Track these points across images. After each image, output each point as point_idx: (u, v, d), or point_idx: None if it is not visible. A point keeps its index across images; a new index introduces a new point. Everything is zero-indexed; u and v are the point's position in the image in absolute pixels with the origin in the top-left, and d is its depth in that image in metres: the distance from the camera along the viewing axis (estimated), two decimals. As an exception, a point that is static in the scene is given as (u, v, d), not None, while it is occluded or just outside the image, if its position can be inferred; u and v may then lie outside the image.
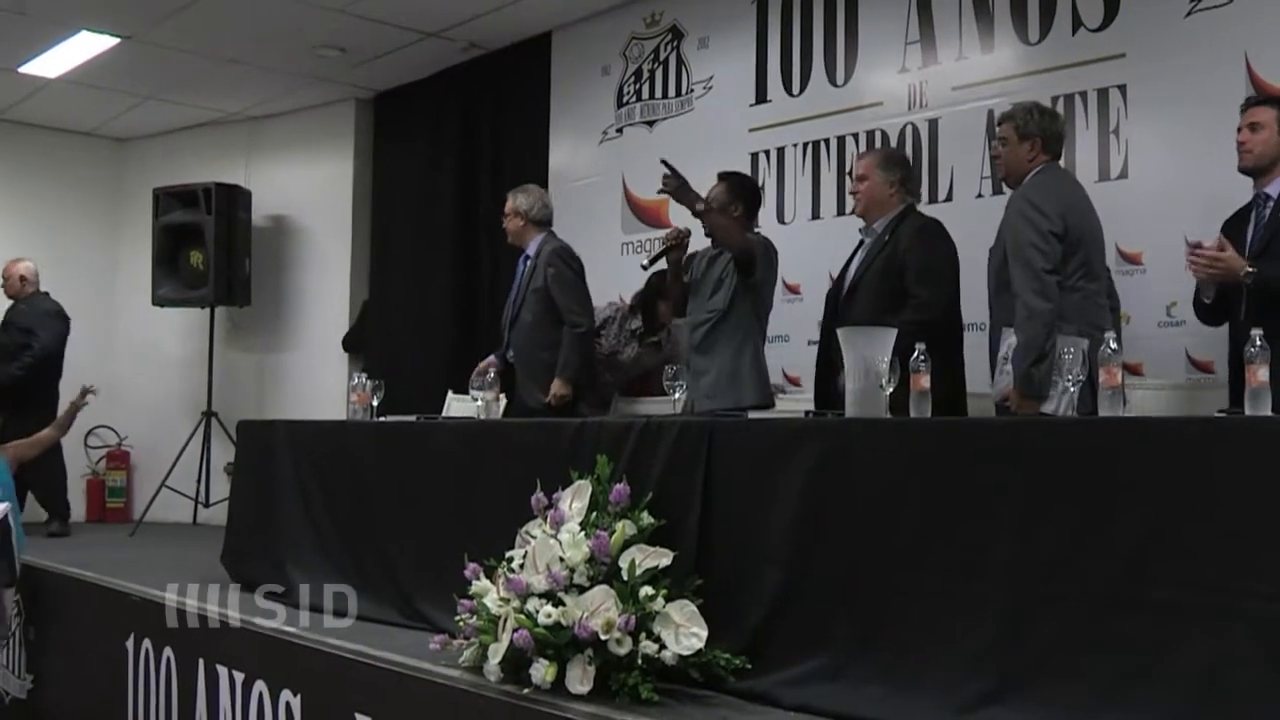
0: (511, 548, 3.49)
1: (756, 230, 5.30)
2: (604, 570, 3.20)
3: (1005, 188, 4.42)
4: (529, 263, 5.72)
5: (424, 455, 4.38)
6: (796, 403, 5.32)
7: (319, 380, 8.34)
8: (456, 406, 5.96)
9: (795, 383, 5.86)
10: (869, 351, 3.47)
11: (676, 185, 4.95)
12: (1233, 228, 3.94)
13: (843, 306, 4.49)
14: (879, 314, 4.19)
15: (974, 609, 2.78)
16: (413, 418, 4.82)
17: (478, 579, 3.46)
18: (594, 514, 3.32)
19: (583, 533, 3.26)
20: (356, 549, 4.50)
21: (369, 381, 4.99)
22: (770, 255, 5.02)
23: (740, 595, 3.23)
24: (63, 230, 9.23)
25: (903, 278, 4.37)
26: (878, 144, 5.66)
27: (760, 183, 6.08)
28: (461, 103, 7.90)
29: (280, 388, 8.77)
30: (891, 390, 3.39)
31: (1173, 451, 2.49)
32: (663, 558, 3.21)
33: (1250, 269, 3.71)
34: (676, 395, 4.18)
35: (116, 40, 7.32)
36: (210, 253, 8.39)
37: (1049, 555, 2.68)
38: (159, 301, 8.70)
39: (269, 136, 9.09)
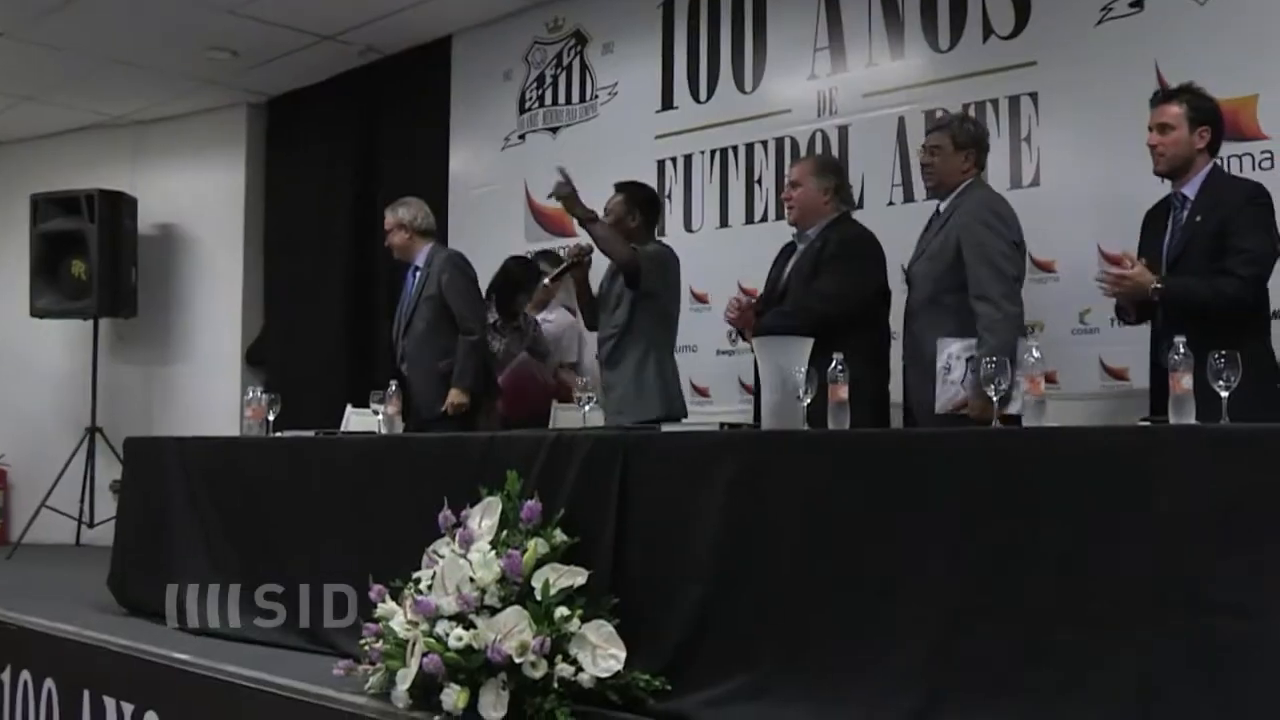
0: (418, 568, 3.34)
1: (660, 240, 5.22)
2: (516, 591, 3.08)
3: (921, 197, 4.42)
4: (419, 273, 5.61)
5: (323, 472, 4.21)
6: (707, 416, 5.25)
7: (211, 394, 8.06)
8: (356, 420, 5.74)
9: (704, 394, 5.79)
10: (784, 361, 3.42)
11: (568, 193, 4.87)
12: (1155, 220, 3.94)
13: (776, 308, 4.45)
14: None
15: (903, 624, 2.72)
16: (311, 433, 4.63)
17: (383, 601, 3.31)
18: (505, 532, 3.19)
19: (493, 552, 3.13)
20: (254, 571, 4.29)
21: (264, 396, 4.79)
22: (663, 264, 4.94)
23: (659, 614, 3.13)
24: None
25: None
26: (790, 152, 5.62)
27: (667, 191, 6.01)
28: (358, 108, 7.71)
29: (170, 402, 8.45)
30: (809, 401, 3.32)
31: (1107, 461, 2.45)
32: (577, 576, 3.09)
33: (1158, 284, 3.69)
34: (587, 408, 4.10)
35: (-12, 36, 6.99)
36: (94, 262, 8.06)
37: (980, 569, 2.63)
38: (38, 313, 8.33)
39: (156, 142, 8.77)
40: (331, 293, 7.72)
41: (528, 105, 6.74)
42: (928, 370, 4.09)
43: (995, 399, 3.08)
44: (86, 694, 4.11)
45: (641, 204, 5.10)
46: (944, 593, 2.67)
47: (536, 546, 3.11)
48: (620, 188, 5.14)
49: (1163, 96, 3.92)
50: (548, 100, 6.65)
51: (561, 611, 2.99)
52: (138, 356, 8.72)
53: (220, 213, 8.45)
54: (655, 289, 4.89)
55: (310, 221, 7.99)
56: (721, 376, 5.69)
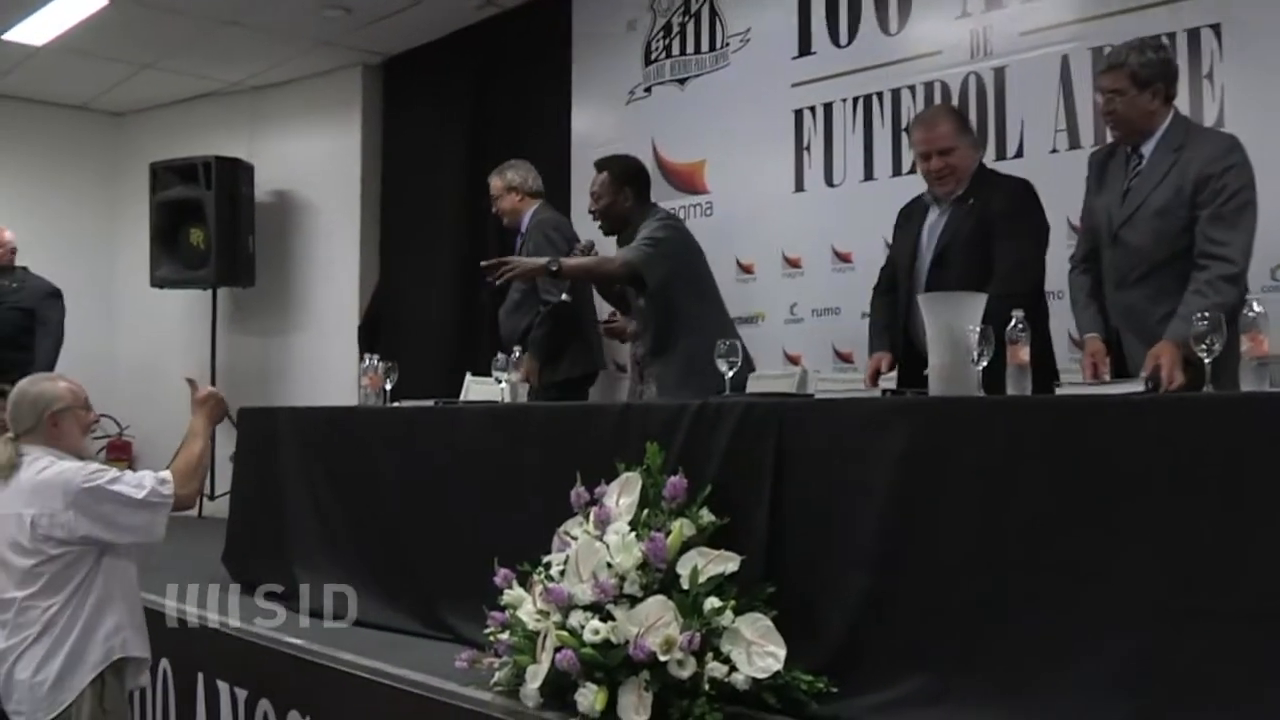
0: (548, 550, 3.04)
1: (655, 206, 4.87)
2: (659, 578, 2.76)
3: (1088, 143, 3.94)
4: (520, 239, 5.38)
5: (445, 444, 3.93)
6: (849, 382, 4.86)
7: (328, 364, 7.86)
8: (476, 389, 5.48)
9: (847, 359, 5.39)
10: (955, 320, 3.05)
11: (515, 272, 4.57)
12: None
13: (929, 280, 3.93)
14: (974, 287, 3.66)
15: (1105, 621, 2.38)
16: (430, 402, 4.34)
17: (510, 587, 3.01)
18: (645, 511, 2.87)
19: (633, 534, 2.80)
20: (371, 549, 4.03)
21: (381, 364, 4.53)
22: (661, 246, 4.54)
23: (819, 605, 2.81)
24: (57, 209, 8.75)
25: (991, 244, 3.82)
26: (942, 98, 5.14)
27: (805, 143, 5.60)
28: (475, 66, 7.41)
29: (286, 372, 8.28)
30: (985, 364, 2.92)
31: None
32: (729, 562, 2.76)
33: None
34: None
35: (105, 1, 6.83)
36: (211, 230, 7.94)
37: (1200, 560, 2.25)
38: (158, 283, 8.25)
39: (272, 107, 8.60)
40: (446, 258, 7.46)
41: (654, 56, 6.36)
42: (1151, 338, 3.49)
43: (1208, 361, 2.66)
44: (200, 676, 3.93)
45: (629, 178, 4.81)
46: (1154, 586, 2.32)
47: (682, 528, 2.77)
48: (602, 165, 4.86)
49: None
50: (675, 50, 6.26)
51: (712, 603, 2.66)
52: (255, 326, 8.59)
53: (336, 178, 8.24)
54: (665, 277, 4.54)
55: (426, 184, 7.73)
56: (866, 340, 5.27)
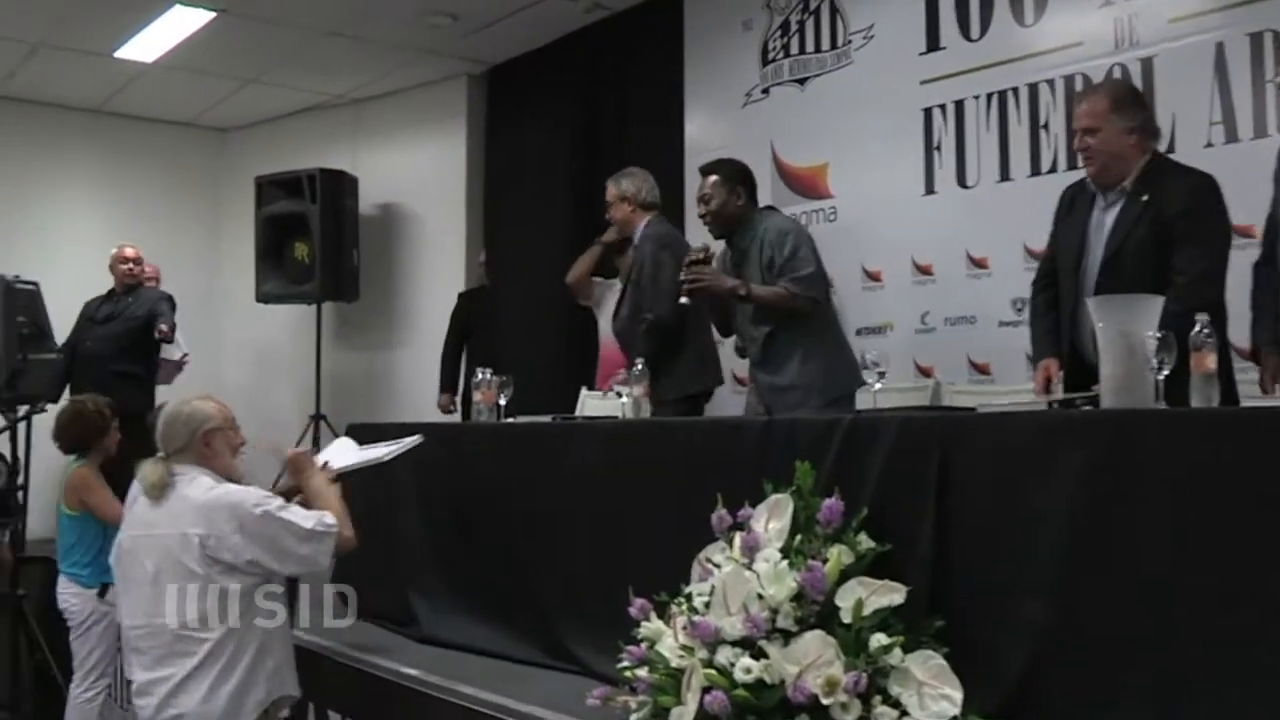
0: (684, 578, 2.79)
1: (773, 211, 4.77)
2: (816, 611, 2.48)
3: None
4: (633, 252, 5.15)
5: (564, 461, 3.70)
6: (986, 395, 4.55)
7: (434, 378, 7.69)
8: (592, 405, 5.27)
9: (984, 370, 5.08)
10: (1131, 326, 2.76)
11: (706, 285, 4.38)
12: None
13: (1099, 284, 3.60)
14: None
15: None
16: (547, 418, 4.13)
17: (648, 619, 2.75)
18: (798, 537, 2.59)
19: (785, 561, 2.53)
20: (489, 573, 3.82)
21: (495, 378, 4.33)
22: (821, 266, 4.52)
23: (991, 639, 2.53)
24: (164, 224, 8.73)
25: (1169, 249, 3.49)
26: (1078, 90, 4.82)
27: (936, 143, 5.31)
28: (583, 73, 7.25)
29: (392, 388, 8.19)
30: (1166, 374, 2.63)
31: None
32: (894, 593, 2.47)
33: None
34: None
35: (212, 15, 6.79)
36: (316, 244, 7.87)
37: None
38: (263, 298, 8.21)
39: (376, 119, 8.52)
40: (554, 271, 7.23)
41: (771, 56, 6.11)
42: None
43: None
44: (311, 706, 3.74)
45: (740, 178, 4.66)
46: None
47: (840, 555, 2.50)
48: (710, 169, 4.71)
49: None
50: (794, 49, 6.00)
51: (878, 639, 2.38)
52: (360, 341, 8.52)
53: (441, 190, 8.14)
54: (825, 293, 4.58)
55: (534, 196, 7.56)
56: (1005, 351, 4.95)
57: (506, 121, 7.91)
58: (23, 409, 6.16)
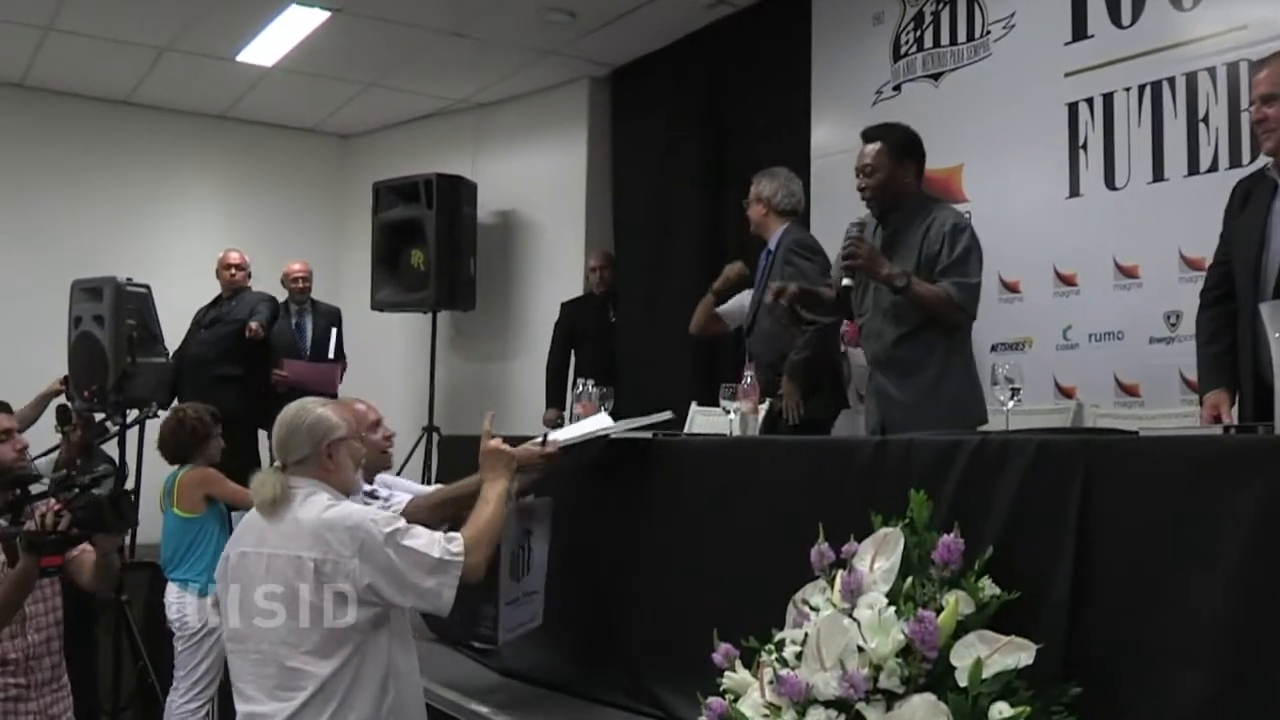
0: (778, 621, 2.44)
1: (942, 203, 4.23)
2: (926, 670, 2.10)
3: None
4: (769, 257, 4.79)
5: (658, 482, 3.36)
6: (1135, 420, 4.11)
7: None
8: (701, 421, 4.94)
9: (1132, 392, 4.62)
10: (1316, 334, 2.33)
11: (863, 264, 3.80)
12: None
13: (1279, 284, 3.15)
14: None
15: None
16: (648, 434, 3.80)
17: (732, 668, 2.40)
18: (909, 580, 2.22)
19: (893, 609, 2.16)
20: (571, 603, 3.49)
21: (595, 389, 4.03)
22: (979, 271, 3.90)
23: (1142, 712, 2.09)
24: (285, 231, 8.74)
25: None
26: (1242, 82, 4.34)
27: (1082, 140, 4.87)
28: (707, 73, 6.98)
29: (507, 400, 7.95)
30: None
31: None
32: (1021, 652, 2.08)
33: None
34: None
35: (327, 14, 6.70)
36: (431, 251, 7.72)
37: None
38: (378, 305, 8.11)
39: (497, 124, 8.37)
40: (679, 280, 6.96)
41: (904, 50, 5.72)
42: None
43: None
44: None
45: (910, 149, 4.04)
46: None
47: (958, 603, 2.12)
48: (874, 134, 4.06)
49: None
50: (928, 43, 5.61)
51: (1000, 710, 2.00)
52: (475, 352, 8.37)
53: (560, 196, 7.94)
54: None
55: (657, 202, 7.32)
56: (1157, 369, 4.50)
57: (629, 126, 7.72)
58: (132, 413, 6.10)
